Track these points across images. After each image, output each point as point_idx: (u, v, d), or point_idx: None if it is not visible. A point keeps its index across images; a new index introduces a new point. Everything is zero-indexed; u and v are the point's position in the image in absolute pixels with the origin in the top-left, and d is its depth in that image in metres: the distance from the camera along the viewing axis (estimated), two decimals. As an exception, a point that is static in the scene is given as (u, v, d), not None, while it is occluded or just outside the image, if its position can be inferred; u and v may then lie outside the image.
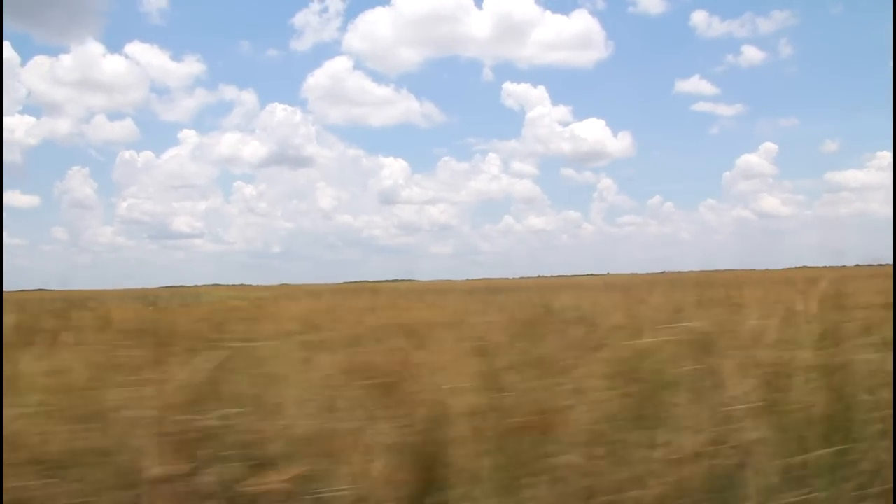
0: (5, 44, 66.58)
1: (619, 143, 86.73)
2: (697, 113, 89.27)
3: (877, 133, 78.32)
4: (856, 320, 3.79)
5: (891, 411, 3.10)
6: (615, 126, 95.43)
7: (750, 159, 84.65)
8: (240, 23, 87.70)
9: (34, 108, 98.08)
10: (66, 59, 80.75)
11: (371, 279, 67.85)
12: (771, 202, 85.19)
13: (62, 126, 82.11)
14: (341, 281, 57.80)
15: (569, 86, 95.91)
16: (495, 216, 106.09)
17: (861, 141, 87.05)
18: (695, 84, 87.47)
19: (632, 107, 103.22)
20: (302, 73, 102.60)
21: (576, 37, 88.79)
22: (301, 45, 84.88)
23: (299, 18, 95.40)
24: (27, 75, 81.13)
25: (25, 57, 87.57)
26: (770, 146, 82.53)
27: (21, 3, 65.29)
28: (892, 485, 2.96)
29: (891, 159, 65.54)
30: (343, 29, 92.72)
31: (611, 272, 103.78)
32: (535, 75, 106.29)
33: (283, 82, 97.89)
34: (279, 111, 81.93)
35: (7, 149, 70.15)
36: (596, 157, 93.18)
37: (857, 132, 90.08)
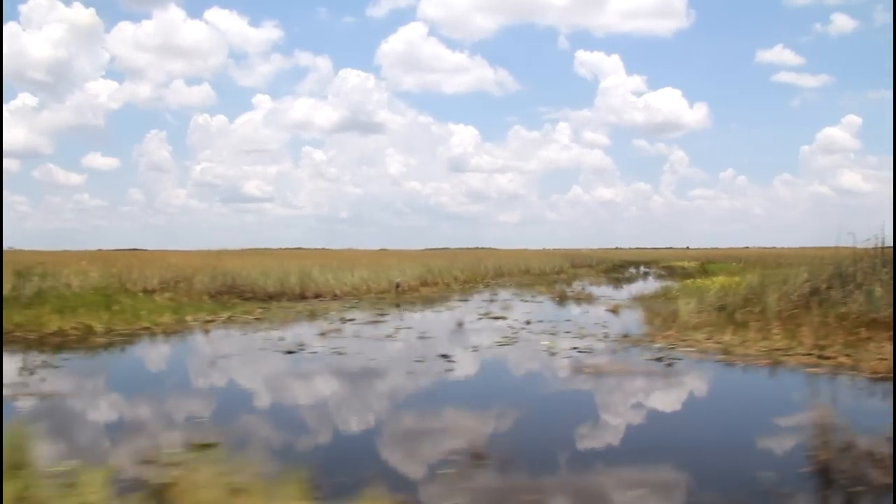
0: (89, 10, 70.95)
1: (694, 115, 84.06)
2: (779, 84, 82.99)
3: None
4: None
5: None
6: (691, 97, 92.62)
7: (832, 133, 80.00)
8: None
9: (117, 73, 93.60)
10: (148, 25, 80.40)
11: (438, 246, 68.91)
12: (851, 178, 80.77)
13: (143, 90, 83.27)
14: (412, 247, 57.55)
15: (645, 55, 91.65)
16: (564, 186, 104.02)
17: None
18: (778, 53, 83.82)
19: (710, 77, 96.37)
20: (376, 40, 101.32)
21: (656, 4, 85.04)
22: (377, 11, 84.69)
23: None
24: (112, 41, 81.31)
25: (110, 23, 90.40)
26: (853, 119, 77.81)
27: (108, -29, 64.62)
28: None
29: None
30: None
31: (690, 246, 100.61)
32: (611, 44, 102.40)
33: (358, 48, 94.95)
34: (353, 77, 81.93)
35: (90, 112, 74.39)
36: (670, 129, 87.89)
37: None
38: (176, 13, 78.43)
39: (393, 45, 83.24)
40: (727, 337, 12.10)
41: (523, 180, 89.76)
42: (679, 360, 10.92)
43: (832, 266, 14.09)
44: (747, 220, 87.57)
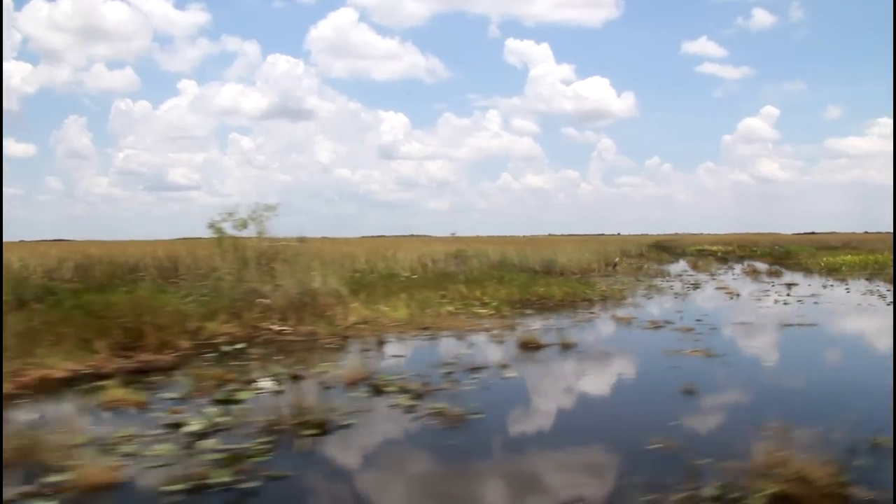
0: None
1: (622, 103, 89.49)
2: (702, 75, 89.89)
3: (879, 99, 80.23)
4: None
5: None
6: (619, 86, 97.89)
7: (751, 123, 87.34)
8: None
9: (32, 54, 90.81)
10: (65, 5, 77.68)
11: (368, 234, 70.74)
12: (769, 167, 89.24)
13: (61, 74, 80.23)
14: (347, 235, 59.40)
15: (574, 44, 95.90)
16: (493, 173, 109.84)
17: (863, 106, 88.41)
18: (702, 45, 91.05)
19: (637, 67, 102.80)
20: (306, 25, 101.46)
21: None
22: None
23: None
24: (24, 20, 77.45)
25: (21, 1, 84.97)
26: (772, 110, 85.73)
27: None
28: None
29: (891, 127, 70.47)
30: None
31: (620, 233, 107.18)
32: (541, 33, 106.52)
33: (287, 34, 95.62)
34: (281, 63, 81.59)
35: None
36: (598, 117, 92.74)
37: (860, 98, 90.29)
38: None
39: (323, 31, 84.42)
40: None
41: (453, 167, 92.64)
42: None
43: None
44: (672, 207, 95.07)
